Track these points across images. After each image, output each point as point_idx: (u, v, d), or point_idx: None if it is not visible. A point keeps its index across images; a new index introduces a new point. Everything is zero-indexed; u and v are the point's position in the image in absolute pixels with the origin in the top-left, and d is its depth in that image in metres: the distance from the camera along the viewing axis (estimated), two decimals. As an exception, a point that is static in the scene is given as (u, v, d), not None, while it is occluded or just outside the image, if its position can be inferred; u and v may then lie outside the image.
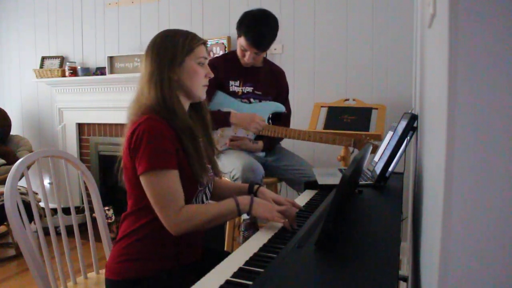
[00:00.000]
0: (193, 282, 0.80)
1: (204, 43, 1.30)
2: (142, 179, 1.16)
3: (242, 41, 2.16)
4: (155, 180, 1.14)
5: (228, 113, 2.19)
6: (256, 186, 1.40)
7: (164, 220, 1.15)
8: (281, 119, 2.35)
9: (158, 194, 1.14)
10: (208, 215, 1.16)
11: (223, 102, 2.25)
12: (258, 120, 2.21)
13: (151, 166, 1.14)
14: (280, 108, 2.33)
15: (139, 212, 1.21)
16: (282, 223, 1.13)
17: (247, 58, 2.19)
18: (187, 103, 1.31)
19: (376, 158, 1.60)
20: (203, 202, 1.32)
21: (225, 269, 0.85)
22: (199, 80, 1.27)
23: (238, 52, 2.23)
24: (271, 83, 2.35)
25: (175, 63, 1.23)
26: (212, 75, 1.32)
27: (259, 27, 2.14)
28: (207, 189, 1.34)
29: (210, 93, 2.20)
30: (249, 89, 2.28)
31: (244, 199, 1.18)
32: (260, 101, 2.30)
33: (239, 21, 2.20)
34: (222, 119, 2.19)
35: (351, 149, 2.37)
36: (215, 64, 2.24)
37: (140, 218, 1.21)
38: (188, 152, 1.20)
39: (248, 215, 1.20)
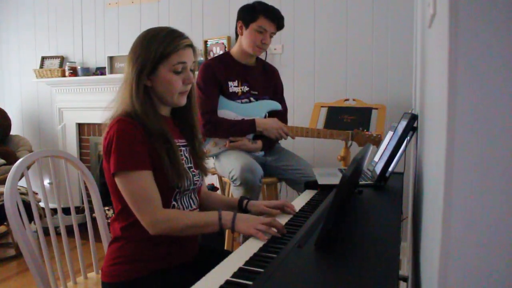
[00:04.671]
0: (191, 282, 0.80)
1: (191, 45, 1.24)
2: (116, 181, 1.17)
3: (260, 22, 2.19)
4: (126, 181, 1.14)
5: (253, 121, 2.20)
6: (245, 201, 1.38)
7: (141, 219, 1.15)
8: (278, 117, 2.34)
9: (132, 194, 1.14)
10: (187, 222, 1.15)
11: (222, 104, 2.25)
12: (282, 126, 2.23)
13: (121, 167, 1.14)
14: (276, 106, 2.33)
15: (125, 213, 1.20)
16: (264, 240, 1.04)
17: (265, 40, 2.21)
18: (166, 108, 1.30)
19: (376, 158, 1.60)
20: (191, 206, 1.30)
21: (225, 269, 0.85)
22: (173, 89, 1.23)
23: (251, 42, 2.21)
24: (266, 82, 2.36)
25: (146, 71, 1.20)
26: (192, 81, 1.27)
27: (273, 7, 2.24)
28: (192, 194, 1.32)
29: (215, 99, 2.20)
30: (246, 89, 2.29)
31: (227, 215, 1.15)
32: (257, 100, 2.31)
33: (247, 10, 2.23)
34: (248, 127, 2.20)
35: (349, 142, 2.38)
36: (211, 65, 2.24)
37: (127, 219, 1.20)
38: (160, 158, 1.18)
39: (232, 231, 1.16)
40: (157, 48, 1.19)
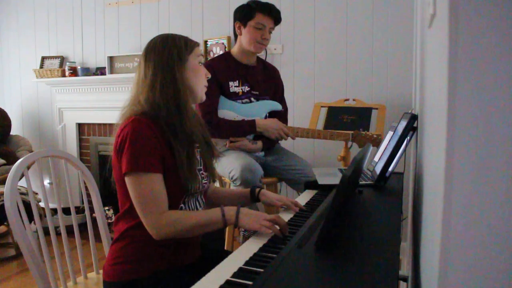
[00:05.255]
0: (192, 283, 0.80)
1: (198, 45, 1.31)
2: (126, 180, 1.16)
3: (258, 19, 2.20)
4: (136, 182, 1.14)
5: (253, 121, 2.21)
6: (257, 190, 1.39)
7: (145, 223, 1.14)
8: (278, 117, 2.34)
9: (139, 196, 1.14)
10: (191, 222, 1.14)
11: (223, 104, 2.25)
12: (282, 126, 2.23)
13: (132, 168, 1.13)
14: (277, 106, 2.33)
15: (131, 213, 1.20)
16: (269, 233, 1.07)
17: (265, 36, 2.22)
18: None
19: (376, 158, 1.60)
20: (197, 209, 1.30)
21: (225, 269, 0.85)
22: (202, 78, 1.29)
23: (252, 39, 2.21)
24: (267, 82, 2.36)
25: (181, 62, 1.23)
26: (209, 75, 1.33)
27: (268, 2, 2.26)
28: (199, 196, 1.32)
29: (215, 99, 2.20)
30: (247, 89, 2.29)
31: (230, 210, 1.15)
32: (257, 100, 2.31)
33: (243, 9, 2.24)
34: (249, 128, 2.21)
35: (349, 143, 2.38)
36: (212, 65, 2.24)
37: (132, 219, 1.20)
38: (179, 158, 1.18)
39: (235, 226, 1.16)
40: (184, 41, 1.26)
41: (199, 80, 1.28)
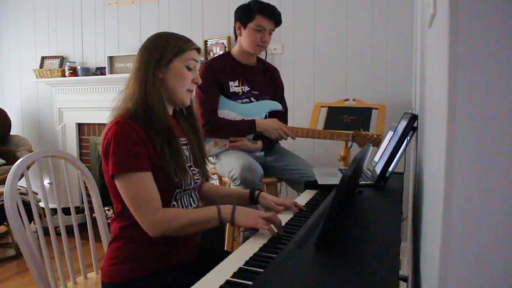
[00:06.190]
0: (191, 282, 0.80)
1: (198, 49, 1.30)
2: (116, 183, 1.17)
3: (258, 21, 2.19)
4: (125, 183, 1.15)
5: (253, 121, 2.21)
6: (257, 192, 1.40)
7: (140, 222, 1.15)
8: (278, 117, 2.34)
9: (131, 196, 1.14)
10: (187, 220, 1.15)
11: (222, 104, 2.25)
12: (282, 126, 2.23)
13: (119, 169, 1.14)
14: (277, 106, 2.33)
15: (124, 214, 1.20)
16: (266, 229, 1.08)
17: (264, 38, 2.21)
18: (170, 107, 1.31)
19: (376, 158, 1.61)
20: (191, 206, 1.31)
21: (225, 269, 0.85)
22: (184, 83, 1.26)
23: (251, 42, 2.21)
24: (267, 82, 2.36)
25: (162, 62, 1.23)
26: (199, 81, 1.30)
27: (269, 4, 2.25)
28: (193, 193, 1.32)
29: (215, 99, 2.20)
30: (247, 89, 2.29)
31: (226, 208, 1.16)
32: (257, 100, 2.31)
33: (244, 10, 2.23)
34: (248, 128, 2.21)
35: (349, 143, 2.38)
36: (212, 65, 2.24)
37: (127, 219, 1.20)
38: (163, 154, 1.19)
39: (232, 224, 1.16)
40: (175, 43, 1.25)
41: (180, 84, 1.25)
